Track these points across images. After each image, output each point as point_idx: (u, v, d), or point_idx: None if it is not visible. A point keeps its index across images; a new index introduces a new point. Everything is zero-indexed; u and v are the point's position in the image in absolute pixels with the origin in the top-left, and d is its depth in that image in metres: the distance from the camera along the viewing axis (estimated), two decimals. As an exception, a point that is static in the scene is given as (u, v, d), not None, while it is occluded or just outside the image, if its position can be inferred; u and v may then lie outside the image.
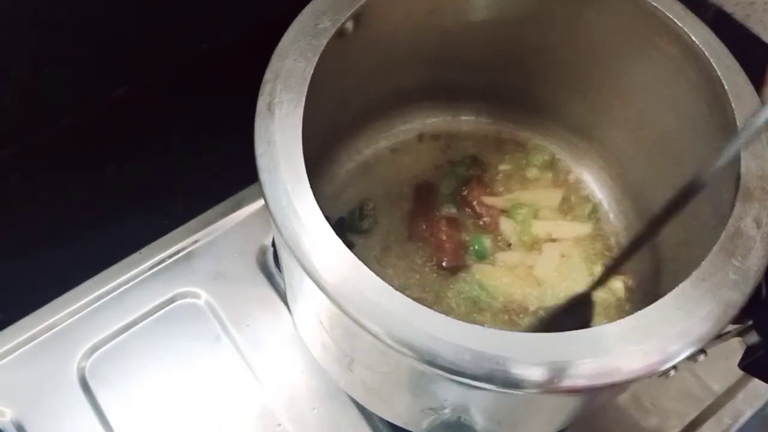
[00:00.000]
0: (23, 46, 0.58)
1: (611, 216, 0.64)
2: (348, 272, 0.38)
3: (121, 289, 0.62)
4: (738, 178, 0.42)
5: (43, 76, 0.62)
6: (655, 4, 0.49)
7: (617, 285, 0.60)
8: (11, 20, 0.56)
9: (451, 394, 0.43)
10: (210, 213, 0.67)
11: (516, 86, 0.63)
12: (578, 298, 0.55)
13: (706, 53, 0.47)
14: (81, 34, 0.61)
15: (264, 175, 0.41)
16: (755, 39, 0.61)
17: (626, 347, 0.37)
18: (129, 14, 0.62)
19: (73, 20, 0.60)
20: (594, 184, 0.65)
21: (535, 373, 0.36)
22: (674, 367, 0.43)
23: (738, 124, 0.44)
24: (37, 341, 0.60)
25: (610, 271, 0.54)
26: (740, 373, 0.50)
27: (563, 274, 0.60)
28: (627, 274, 0.60)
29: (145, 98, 0.69)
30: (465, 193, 0.63)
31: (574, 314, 0.55)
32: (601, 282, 0.54)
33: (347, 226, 0.62)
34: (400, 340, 0.37)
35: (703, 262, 0.39)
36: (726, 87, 0.45)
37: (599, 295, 0.58)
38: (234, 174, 0.68)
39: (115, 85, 0.68)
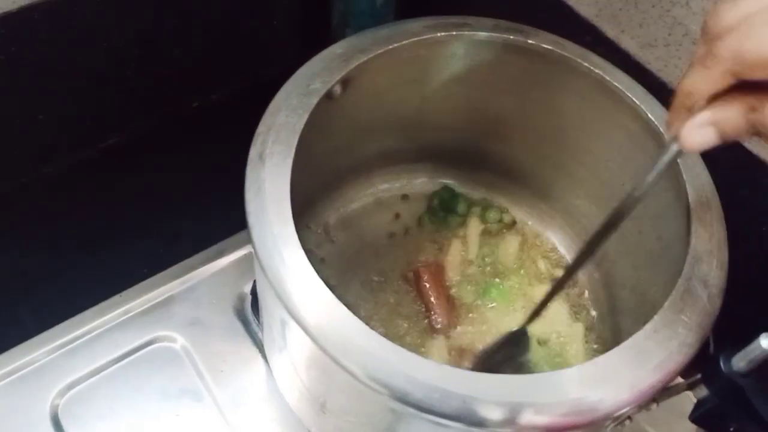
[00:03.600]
0: (19, 92, 0.61)
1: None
2: (328, 312, 0.41)
3: (101, 329, 0.64)
4: (688, 240, 0.46)
5: (36, 123, 0.64)
6: (616, 84, 0.53)
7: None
8: (7, 67, 0.58)
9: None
10: (192, 260, 0.69)
11: (490, 153, 0.66)
12: (515, 333, 0.58)
13: (662, 130, 0.51)
14: (75, 85, 0.64)
15: (252, 218, 0.43)
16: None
17: (585, 391, 0.39)
18: (125, 68, 0.65)
19: (68, 71, 0.62)
20: (559, 246, 0.69)
21: (498, 412, 0.38)
22: (629, 417, 0.46)
23: (689, 193, 0.48)
24: (14, 377, 0.60)
25: (549, 298, 0.54)
26: (693, 428, 0.53)
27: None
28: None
29: (135, 149, 0.72)
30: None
31: (511, 349, 0.57)
32: (538, 312, 0.55)
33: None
34: (376, 378, 0.39)
35: (655, 316, 0.42)
36: (678, 161, 0.50)
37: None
38: (217, 224, 0.70)
39: (106, 135, 0.71)
